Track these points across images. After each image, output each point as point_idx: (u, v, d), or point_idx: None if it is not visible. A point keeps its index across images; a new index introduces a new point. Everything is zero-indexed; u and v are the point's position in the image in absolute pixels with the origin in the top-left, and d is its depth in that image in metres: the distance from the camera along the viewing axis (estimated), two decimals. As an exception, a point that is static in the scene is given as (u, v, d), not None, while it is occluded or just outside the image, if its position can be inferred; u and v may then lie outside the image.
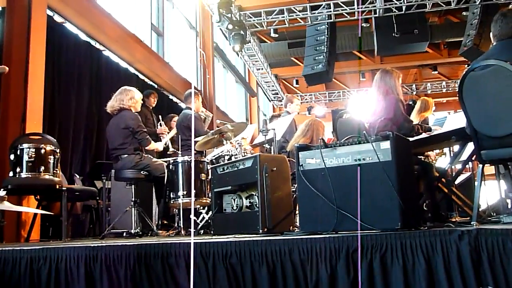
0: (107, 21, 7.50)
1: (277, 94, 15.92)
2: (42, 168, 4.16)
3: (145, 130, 4.99)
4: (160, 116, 6.54)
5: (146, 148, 4.96)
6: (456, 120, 4.33)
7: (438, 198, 3.95)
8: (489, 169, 3.40)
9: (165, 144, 5.79)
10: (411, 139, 3.81)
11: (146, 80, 8.85)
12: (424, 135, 3.92)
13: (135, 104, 5.00)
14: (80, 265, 2.66)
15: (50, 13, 6.24)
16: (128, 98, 4.94)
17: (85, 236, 5.99)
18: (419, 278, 2.16)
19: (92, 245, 2.72)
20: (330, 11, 10.11)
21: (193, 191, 4.59)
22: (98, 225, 5.87)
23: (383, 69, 4.19)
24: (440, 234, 2.21)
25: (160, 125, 6.35)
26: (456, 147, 4.30)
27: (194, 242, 2.52)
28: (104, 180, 5.68)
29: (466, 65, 13.47)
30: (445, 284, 2.13)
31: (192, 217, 3.10)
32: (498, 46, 3.05)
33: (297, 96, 12.93)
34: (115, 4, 8.11)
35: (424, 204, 3.87)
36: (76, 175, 6.18)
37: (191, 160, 4.68)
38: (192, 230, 2.82)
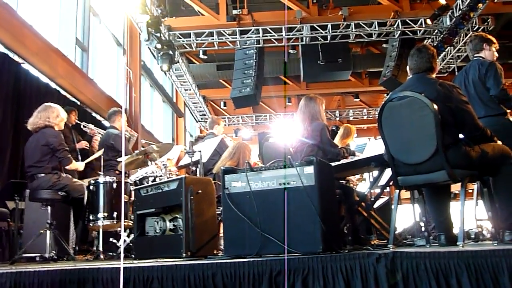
0: (28, 33, 7.15)
1: (205, 115, 15.92)
2: None
3: (67, 148, 4.77)
4: (83, 124, 6.30)
5: (67, 167, 4.73)
6: (375, 146, 4.55)
7: (358, 222, 4.09)
8: (406, 193, 3.59)
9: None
10: (333, 164, 3.93)
11: (68, 96, 8.48)
12: (347, 160, 4.06)
13: (60, 122, 4.81)
14: (-14, 293, 2.46)
15: (-37, 21, 5.86)
16: (54, 116, 4.74)
17: (-7, 261, 5.57)
18: (339, 301, 2.21)
19: (0, 271, 2.53)
20: (259, 36, 10.36)
21: (122, 212, 4.43)
22: (9, 248, 5.48)
23: (307, 96, 4.34)
24: (359, 257, 2.29)
25: (84, 126, 6.08)
26: (375, 173, 4.49)
27: (114, 267, 2.42)
28: (17, 201, 5.33)
29: (385, 94, 14.29)
30: (363, 306, 2.19)
31: (122, 239, 2.97)
32: (414, 78, 3.26)
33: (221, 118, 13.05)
34: (37, 16, 7.76)
35: (345, 227, 3.99)
36: (-14, 195, 5.75)
37: (113, 181, 4.52)
38: (122, 253, 2.71)
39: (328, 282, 2.26)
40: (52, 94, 7.76)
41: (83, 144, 5.91)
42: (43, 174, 4.53)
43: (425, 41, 11.08)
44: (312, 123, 4.12)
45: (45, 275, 2.47)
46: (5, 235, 5.64)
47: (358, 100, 16.51)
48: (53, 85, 7.98)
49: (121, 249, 2.24)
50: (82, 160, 5.95)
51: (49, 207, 4.56)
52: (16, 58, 7.03)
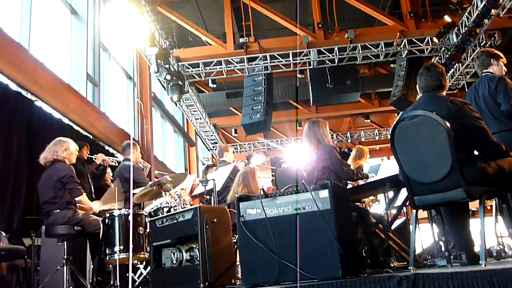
0: (40, 70, 7.30)
1: (216, 143, 15.98)
2: (-36, 226, 3.87)
3: (77, 180, 4.77)
4: (94, 156, 6.33)
5: (76, 199, 4.69)
6: (389, 167, 4.52)
7: (376, 244, 4.03)
8: (423, 213, 3.53)
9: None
10: (348, 186, 3.91)
11: (81, 130, 8.59)
12: (361, 182, 4.03)
13: (69, 156, 4.82)
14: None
15: (-24, 62, 6.00)
16: (62, 150, 4.76)
17: (11, 299, 5.55)
18: (362, 327, 2.16)
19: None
20: (267, 63, 10.45)
21: (131, 245, 4.39)
22: (26, 286, 5.47)
23: (309, 121, 4.36)
24: (380, 280, 2.24)
25: (93, 156, 6.05)
26: (390, 193, 4.44)
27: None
28: (33, 237, 5.34)
29: (396, 114, 14.25)
30: (387, 331, 2.14)
31: (130, 273, 2.96)
32: (425, 97, 3.25)
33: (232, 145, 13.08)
34: (49, 53, 7.93)
35: (363, 250, 3.93)
36: (2, 232, 5.77)
37: (128, 213, 4.51)
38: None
39: (350, 307, 2.21)
40: (65, 130, 7.86)
41: (100, 157, 5.76)
42: (58, 210, 4.54)
43: (433, 59, 11.09)
44: (319, 146, 4.11)
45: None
46: (22, 272, 5.65)
47: (369, 121, 16.49)
48: (66, 121, 8.10)
49: (129, 283, 2.22)
50: (96, 193, 5.98)
51: (65, 242, 4.56)
52: (29, 96, 7.16)
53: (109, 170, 6.31)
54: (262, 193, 2.86)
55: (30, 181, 6.56)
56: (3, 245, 5.00)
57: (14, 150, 6.47)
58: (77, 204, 4.81)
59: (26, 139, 6.76)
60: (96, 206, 4.98)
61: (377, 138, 17.07)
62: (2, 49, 6.42)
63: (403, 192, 3.83)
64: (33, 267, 5.20)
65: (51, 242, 4.94)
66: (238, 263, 3.59)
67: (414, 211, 3.16)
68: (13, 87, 6.80)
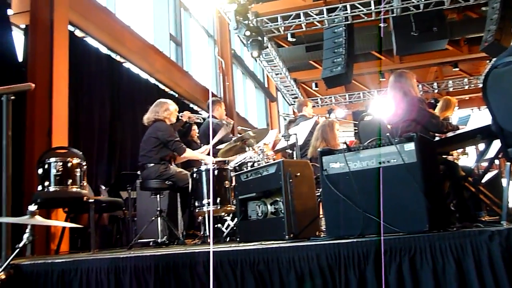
0: (127, 33, 7.62)
1: (297, 98, 15.91)
2: (70, 181, 4.23)
3: (178, 139, 5.01)
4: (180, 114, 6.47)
5: (182, 156, 4.98)
6: (480, 117, 4.27)
7: (466, 198, 3.89)
8: (517, 166, 3.34)
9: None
10: (436, 138, 3.77)
11: (167, 90, 8.95)
12: (450, 134, 3.87)
13: (169, 115, 5.05)
14: (111, 276, 2.70)
15: (71, 28, 6.37)
16: (163, 110, 5.00)
17: (112, 247, 6.06)
18: (450, 280, 2.13)
19: (121, 256, 2.76)
20: (347, 13, 10.09)
21: (211, 199, 4.57)
22: (125, 235, 5.94)
23: (395, 72, 4.19)
24: (470, 235, 2.18)
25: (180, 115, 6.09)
26: (481, 146, 4.22)
27: (222, 251, 2.54)
28: (129, 191, 5.74)
29: (487, 61, 13.29)
30: (476, 286, 2.09)
31: (211, 226, 3.10)
32: (521, 41, 3.00)
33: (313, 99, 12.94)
34: (133, 16, 8.23)
35: (451, 204, 3.81)
36: (102, 186, 6.27)
37: (214, 168, 4.69)
38: (211, 238, 2.84)
39: (437, 262, 2.18)
40: (151, 89, 8.24)
41: (186, 115, 5.89)
42: (152, 164, 4.80)
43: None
44: (405, 98, 3.96)
45: (160, 259, 2.66)
46: (121, 222, 6.13)
47: (457, 69, 15.53)
48: (152, 81, 8.46)
49: (210, 234, 2.34)
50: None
51: (158, 196, 4.85)
52: (118, 58, 7.53)
53: (195, 127, 6.54)
54: (345, 146, 2.84)
55: (122, 139, 7.00)
56: (104, 198, 5.45)
57: (108, 111, 6.91)
58: (188, 159, 5.09)
59: (117, 100, 7.18)
60: (197, 153, 5.22)
61: (466, 87, 16.08)
62: (92, 15, 6.76)
63: (496, 144, 3.63)
64: (130, 218, 5.62)
65: (146, 195, 5.28)
66: (321, 216, 3.64)
67: (508, 163, 2.99)
68: (104, 50, 7.17)
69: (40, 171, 4.24)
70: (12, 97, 2.51)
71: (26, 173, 5.15)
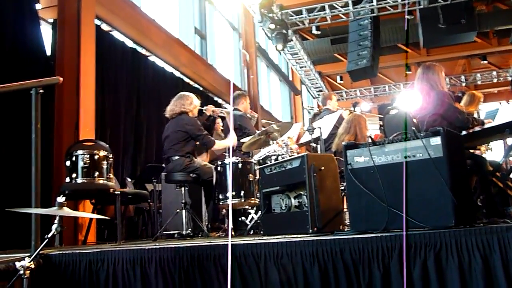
0: (152, 27, 7.69)
1: (321, 91, 15.79)
2: (97, 173, 4.30)
3: (206, 132, 5.05)
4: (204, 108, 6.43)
5: (213, 148, 5.06)
6: (509, 111, 4.18)
7: (493, 193, 3.82)
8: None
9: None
10: (463, 133, 3.72)
11: (191, 83, 9.01)
12: (477, 128, 3.80)
13: (194, 109, 5.09)
14: (136, 267, 2.75)
15: (97, 22, 6.46)
16: (188, 103, 5.04)
17: (138, 238, 6.17)
18: (476, 277, 2.10)
19: (147, 247, 2.81)
20: (373, 5, 9.94)
21: (230, 192, 4.57)
22: (151, 226, 6.03)
23: (424, 65, 4.11)
24: (497, 231, 2.14)
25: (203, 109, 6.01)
26: (509, 140, 4.14)
27: (246, 243, 2.56)
28: (154, 183, 5.81)
29: (517, 53, 12.96)
30: (503, 283, 2.06)
31: (230, 218, 3.12)
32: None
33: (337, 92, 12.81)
34: (158, 10, 8.29)
35: (478, 199, 3.75)
36: (128, 178, 6.37)
37: (238, 161, 4.71)
38: (230, 231, 2.86)
39: (463, 258, 2.15)
40: (176, 82, 8.31)
41: (210, 108, 5.87)
42: (177, 157, 4.84)
43: None
44: (432, 92, 3.90)
45: (184, 250, 2.70)
46: (147, 214, 6.22)
47: (486, 62, 15.16)
48: (177, 74, 8.53)
49: (229, 227, 2.36)
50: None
51: (182, 188, 4.90)
52: (143, 51, 7.61)
53: (219, 120, 6.56)
54: (369, 140, 2.82)
55: (148, 132, 7.09)
56: (130, 190, 5.53)
57: (134, 104, 7.01)
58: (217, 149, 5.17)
59: (143, 93, 7.26)
60: (226, 142, 5.18)
61: (495, 80, 15.68)
62: (118, 8, 6.84)
63: (526, 139, 3.56)
64: (155, 209, 5.69)
65: (171, 187, 5.34)
66: (345, 210, 3.63)
67: (538, 159, 2.93)
68: (129, 44, 7.26)
69: (68, 163, 4.32)
70: (41, 91, 2.55)
71: (54, 165, 5.27)
